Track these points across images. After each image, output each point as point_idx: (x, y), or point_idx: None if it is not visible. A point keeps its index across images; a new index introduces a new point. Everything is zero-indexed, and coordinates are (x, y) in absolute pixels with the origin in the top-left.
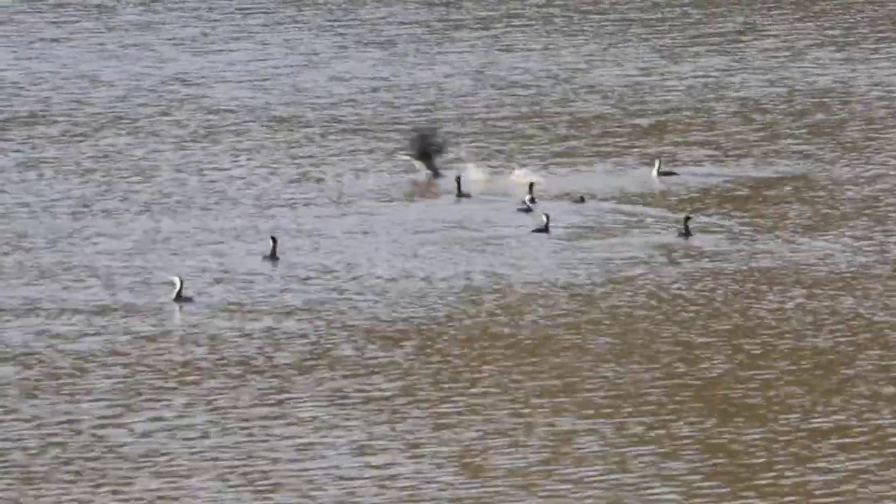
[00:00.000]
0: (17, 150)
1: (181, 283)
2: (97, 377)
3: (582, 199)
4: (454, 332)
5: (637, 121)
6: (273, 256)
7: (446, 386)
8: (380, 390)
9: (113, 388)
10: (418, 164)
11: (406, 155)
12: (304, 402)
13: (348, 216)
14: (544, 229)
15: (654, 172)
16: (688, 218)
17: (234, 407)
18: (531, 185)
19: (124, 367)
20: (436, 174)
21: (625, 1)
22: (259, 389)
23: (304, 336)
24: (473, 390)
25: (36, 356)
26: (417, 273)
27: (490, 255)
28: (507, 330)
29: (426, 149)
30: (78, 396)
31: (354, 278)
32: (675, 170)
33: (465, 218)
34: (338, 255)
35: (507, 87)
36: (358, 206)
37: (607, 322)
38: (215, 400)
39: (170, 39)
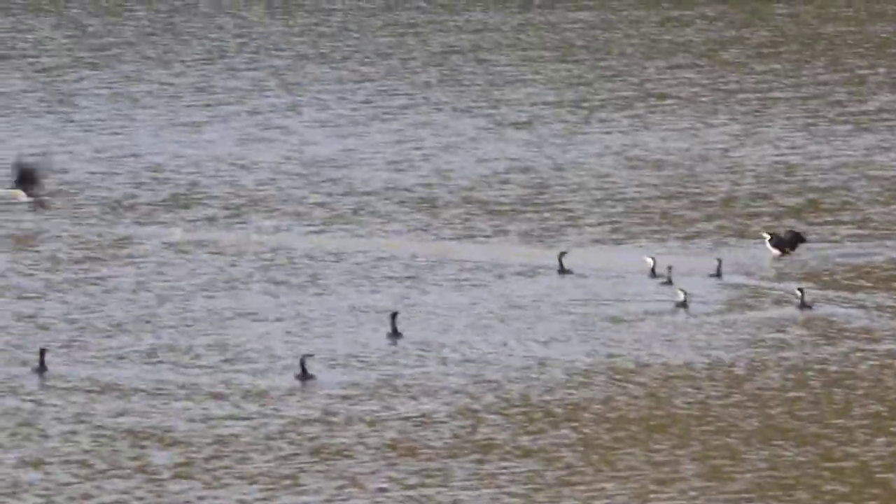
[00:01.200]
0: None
1: (302, 361)
2: (257, 461)
3: (718, 274)
4: (609, 414)
5: (783, 200)
6: (394, 333)
7: (605, 473)
8: (539, 475)
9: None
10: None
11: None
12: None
13: (480, 295)
14: (684, 304)
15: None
16: (801, 290)
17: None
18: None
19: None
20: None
21: (769, 80)
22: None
23: (451, 419)
24: (625, 475)
25: (189, 438)
26: (558, 353)
27: (631, 331)
28: (659, 412)
29: (27, 176)
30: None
31: (488, 359)
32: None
33: (591, 293)
34: (462, 333)
35: (650, 167)
36: (496, 284)
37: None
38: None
39: (313, 121)
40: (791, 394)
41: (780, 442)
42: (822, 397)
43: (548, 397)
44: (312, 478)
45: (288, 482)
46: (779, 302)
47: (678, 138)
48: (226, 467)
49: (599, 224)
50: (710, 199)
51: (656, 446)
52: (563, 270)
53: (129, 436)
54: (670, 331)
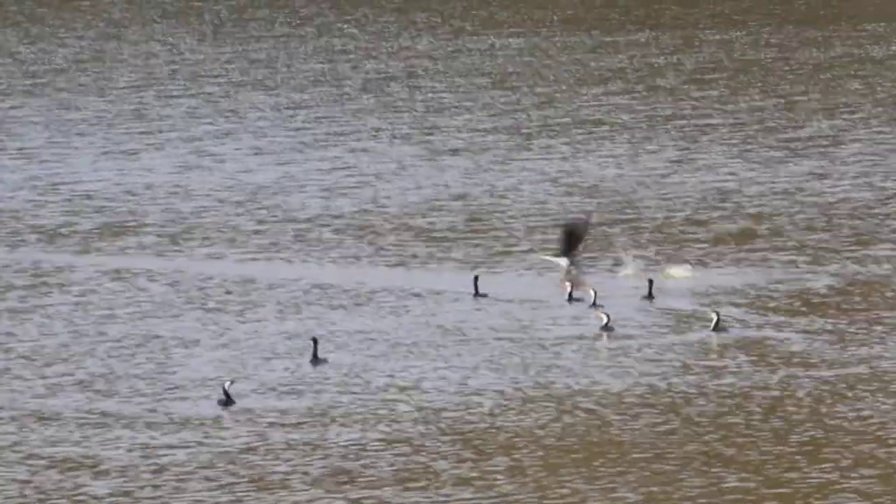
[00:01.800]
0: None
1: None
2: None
3: (650, 295)
4: (545, 441)
5: (723, 225)
6: (315, 359)
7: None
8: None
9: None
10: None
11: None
12: None
13: (409, 321)
14: (607, 328)
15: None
16: (717, 313)
17: None
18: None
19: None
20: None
21: (705, 106)
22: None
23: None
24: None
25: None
26: (489, 380)
27: (559, 357)
28: (595, 439)
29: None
30: None
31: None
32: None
33: (514, 318)
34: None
35: (586, 193)
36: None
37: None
38: None
39: (250, 148)
40: (728, 420)
41: (718, 469)
42: (758, 423)
43: (482, 425)
44: None
45: None
46: (707, 325)
47: (614, 164)
48: (163, 497)
49: (531, 251)
50: (645, 224)
51: (594, 474)
52: (478, 294)
53: (64, 465)
54: (598, 356)
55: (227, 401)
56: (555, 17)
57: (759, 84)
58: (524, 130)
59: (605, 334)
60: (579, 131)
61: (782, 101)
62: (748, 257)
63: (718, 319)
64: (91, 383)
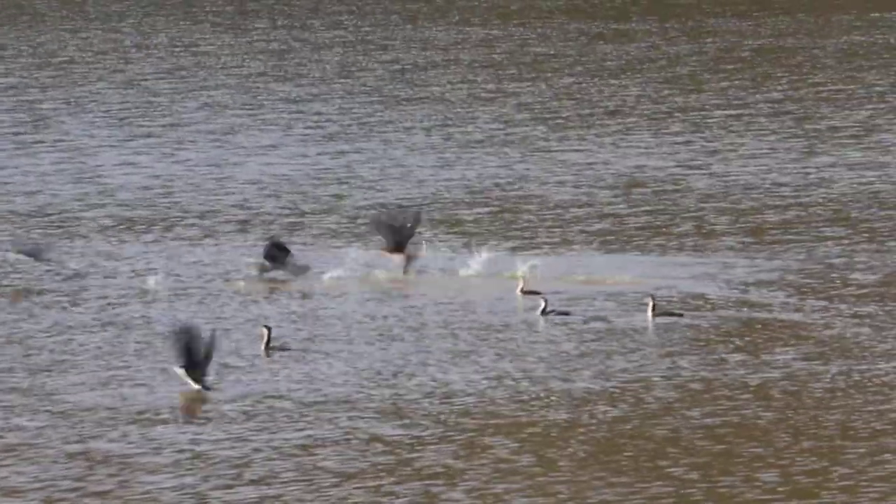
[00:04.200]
0: None
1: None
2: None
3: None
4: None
5: (758, 214)
6: (268, 348)
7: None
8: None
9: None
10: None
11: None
12: None
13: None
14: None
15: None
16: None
17: None
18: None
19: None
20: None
21: (729, 95)
22: None
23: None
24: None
25: None
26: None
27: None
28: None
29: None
30: None
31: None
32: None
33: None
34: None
35: (613, 185)
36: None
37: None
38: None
39: (281, 140)
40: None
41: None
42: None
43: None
44: None
45: None
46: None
47: (641, 155)
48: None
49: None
50: (683, 214)
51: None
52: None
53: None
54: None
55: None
56: (560, 5)
57: (784, 72)
58: (552, 121)
59: (542, 319)
60: (604, 122)
61: (810, 89)
62: (787, 246)
63: (654, 304)
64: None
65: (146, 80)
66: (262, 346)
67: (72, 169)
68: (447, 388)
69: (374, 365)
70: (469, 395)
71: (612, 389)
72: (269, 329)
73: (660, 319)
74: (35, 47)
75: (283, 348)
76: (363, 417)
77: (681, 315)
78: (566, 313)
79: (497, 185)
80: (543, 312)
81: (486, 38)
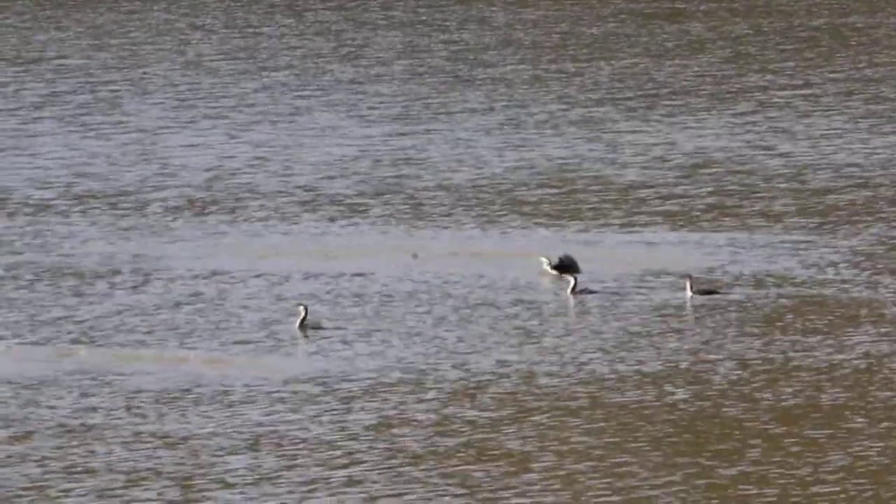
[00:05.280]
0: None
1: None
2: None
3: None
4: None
5: (837, 193)
6: (303, 326)
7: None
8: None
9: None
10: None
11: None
12: None
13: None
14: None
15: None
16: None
17: None
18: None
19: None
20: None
21: (797, 74)
22: None
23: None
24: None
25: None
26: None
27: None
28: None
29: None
30: None
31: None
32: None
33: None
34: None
35: (686, 166)
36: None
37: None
38: None
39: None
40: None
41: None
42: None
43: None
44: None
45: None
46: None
47: (711, 136)
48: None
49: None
50: (771, 196)
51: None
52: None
53: None
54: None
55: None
56: None
57: (848, 50)
58: (615, 101)
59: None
60: (667, 102)
61: (876, 68)
62: (857, 225)
63: (305, 315)
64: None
65: (207, 61)
66: (297, 324)
67: (139, 150)
68: (510, 368)
69: (442, 346)
70: (533, 375)
71: (678, 370)
72: (305, 308)
73: (700, 298)
74: (94, 29)
75: (317, 327)
76: (436, 399)
77: (720, 292)
78: (594, 292)
79: (561, 166)
80: (573, 291)
81: (543, 19)
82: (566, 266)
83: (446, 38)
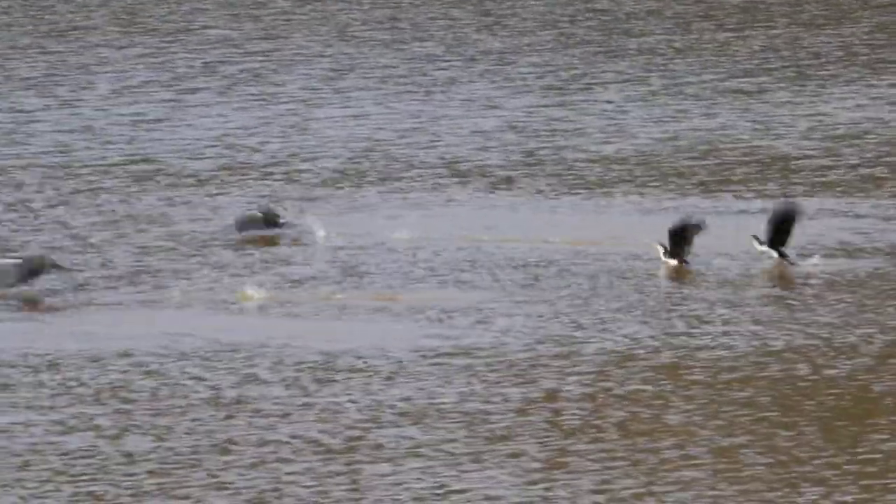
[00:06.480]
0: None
1: None
2: None
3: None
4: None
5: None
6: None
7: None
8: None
9: None
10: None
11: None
12: None
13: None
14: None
15: None
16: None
17: None
18: None
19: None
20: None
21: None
22: None
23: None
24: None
25: None
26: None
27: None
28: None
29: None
30: None
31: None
32: None
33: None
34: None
35: (838, 138)
36: None
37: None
38: None
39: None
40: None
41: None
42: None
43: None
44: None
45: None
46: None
47: (862, 107)
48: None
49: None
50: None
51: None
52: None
53: None
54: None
55: None
56: None
57: None
58: (766, 72)
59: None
60: (819, 71)
61: None
62: None
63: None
64: None
65: (353, 31)
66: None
67: (290, 122)
68: (660, 342)
69: (596, 317)
70: (687, 349)
71: (825, 344)
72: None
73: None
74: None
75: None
76: (580, 373)
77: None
78: (685, 262)
79: (711, 138)
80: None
81: None
82: (684, 232)
83: (591, 6)
